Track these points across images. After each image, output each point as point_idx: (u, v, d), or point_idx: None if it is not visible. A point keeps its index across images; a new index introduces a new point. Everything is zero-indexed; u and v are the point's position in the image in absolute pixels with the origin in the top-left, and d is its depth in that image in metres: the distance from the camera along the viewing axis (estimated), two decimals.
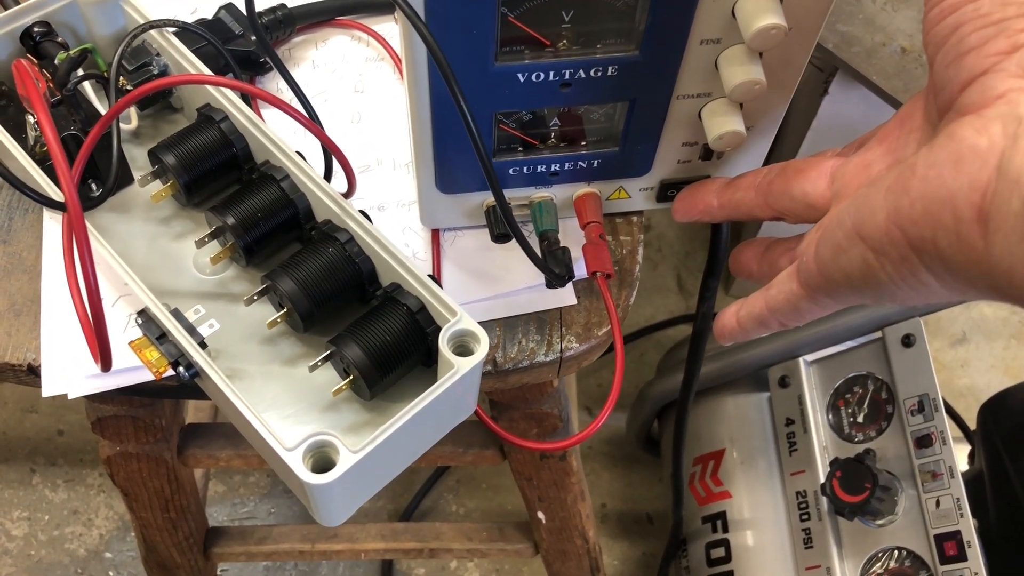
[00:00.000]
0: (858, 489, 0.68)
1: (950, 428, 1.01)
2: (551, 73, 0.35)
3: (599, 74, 0.35)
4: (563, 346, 0.42)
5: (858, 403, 0.74)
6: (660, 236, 1.18)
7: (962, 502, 0.65)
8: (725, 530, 0.79)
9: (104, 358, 0.34)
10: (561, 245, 0.41)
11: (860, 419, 0.73)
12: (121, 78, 0.42)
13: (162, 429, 0.56)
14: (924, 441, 0.68)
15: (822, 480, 0.71)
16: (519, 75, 0.35)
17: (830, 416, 0.75)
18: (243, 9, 0.47)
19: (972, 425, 0.86)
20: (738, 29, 0.33)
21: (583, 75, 0.35)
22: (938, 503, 0.66)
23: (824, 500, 0.71)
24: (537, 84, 0.36)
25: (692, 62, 0.35)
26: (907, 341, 0.71)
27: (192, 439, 0.61)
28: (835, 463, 0.70)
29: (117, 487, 0.62)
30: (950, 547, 0.65)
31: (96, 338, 0.32)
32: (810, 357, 0.77)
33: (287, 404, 0.38)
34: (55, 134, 0.30)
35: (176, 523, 0.66)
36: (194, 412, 0.80)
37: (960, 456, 0.81)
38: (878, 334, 0.73)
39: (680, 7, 0.33)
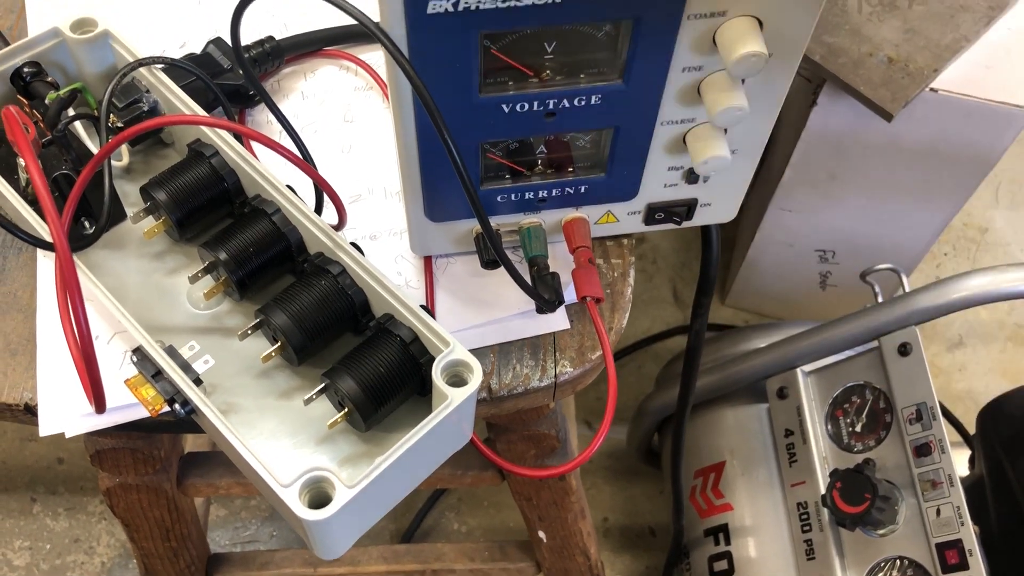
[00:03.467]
0: (858, 500, 0.68)
1: (949, 433, 1.02)
2: (535, 103, 0.35)
3: (583, 103, 0.36)
4: (557, 371, 0.42)
5: (856, 413, 0.74)
6: (655, 248, 1.18)
7: (962, 510, 0.65)
8: (727, 542, 0.79)
9: (98, 401, 0.34)
10: (551, 270, 0.41)
11: (859, 429, 0.74)
12: (112, 115, 0.42)
13: (161, 460, 0.56)
14: (923, 450, 0.68)
15: (822, 491, 0.71)
16: (504, 106, 0.35)
17: (829, 426, 0.75)
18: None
19: (971, 429, 0.86)
20: (719, 56, 0.34)
21: (567, 104, 0.36)
22: (939, 512, 0.66)
23: (825, 511, 0.71)
24: (522, 114, 0.36)
25: (675, 89, 0.36)
26: (903, 350, 0.71)
27: (191, 468, 0.61)
28: (835, 474, 0.70)
29: (117, 518, 0.62)
30: (952, 555, 0.65)
31: (90, 383, 0.33)
32: (808, 368, 0.77)
33: (283, 437, 0.39)
34: (44, 181, 0.31)
35: (177, 552, 0.66)
36: (192, 441, 0.80)
37: (960, 461, 0.81)
38: (874, 343, 0.73)
39: (661, 36, 0.33)
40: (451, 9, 0.30)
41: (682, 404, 0.63)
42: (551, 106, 0.36)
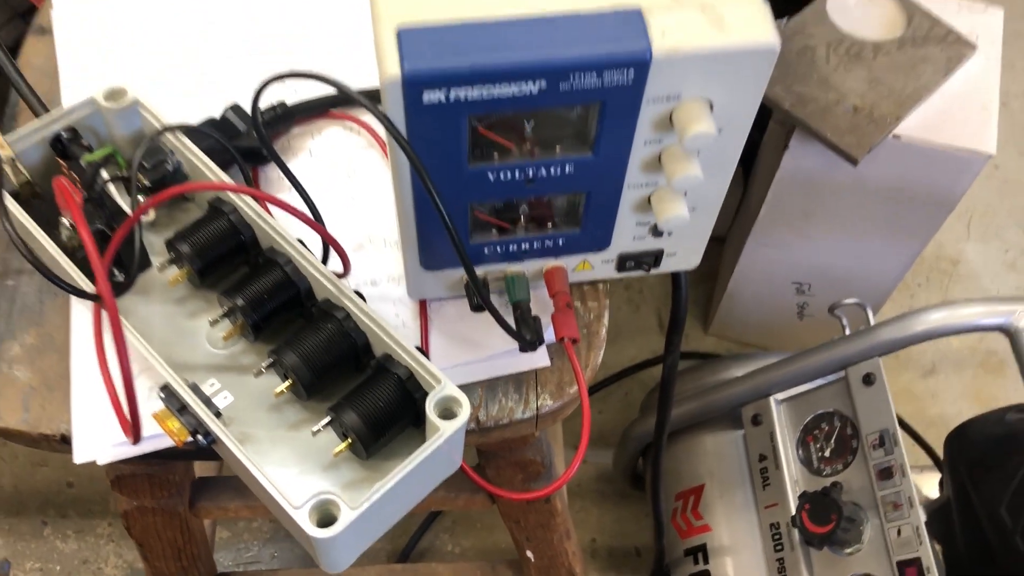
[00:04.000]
0: (825, 520, 0.72)
1: (920, 458, 1.07)
2: (517, 172, 0.41)
3: (559, 172, 0.41)
4: (539, 404, 0.47)
5: (825, 439, 0.79)
6: (641, 279, 1.23)
7: (921, 531, 0.69)
8: (706, 561, 0.84)
9: (136, 435, 0.39)
10: (533, 314, 0.46)
11: (827, 454, 0.78)
12: (140, 175, 0.47)
13: (175, 484, 0.61)
14: (885, 474, 0.73)
15: (793, 512, 0.76)
16: (489, 174, 0.41)
17: (800, 451, 0.80)
18: (248, 109, 0.52)
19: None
20: (676, 132, 0.39)
21: (545, 173, 0.41)
22: (899, 532, 0.71)
23: (795, 531, 0.76)
24: (505, 181, 0.41)
25: (638, 159, 0.41)
26: (868, 380, 0.76)
27: (202, 492, 0.66)
28: (804, 496, 0.75)
29: (133, 539, 0.66)
30: (911, 573, 0.69)
31: (130, 420, 0.37)
32: (780, 396, 0.82)
33: (293, 464, 0.43)
34: (94, 246, 0.35)
35: (187, 571, 0.70)
36: (201, 466, 0.84)
37: (931, 484, 0.86)
38: (842, 373, 0.78)
39: (624, 116, 0.38)
40: (443, 100, 0.36)
41: (659, 432, 0.68)
42: (531, 174, 0.41)
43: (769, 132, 0.97)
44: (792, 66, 0.85)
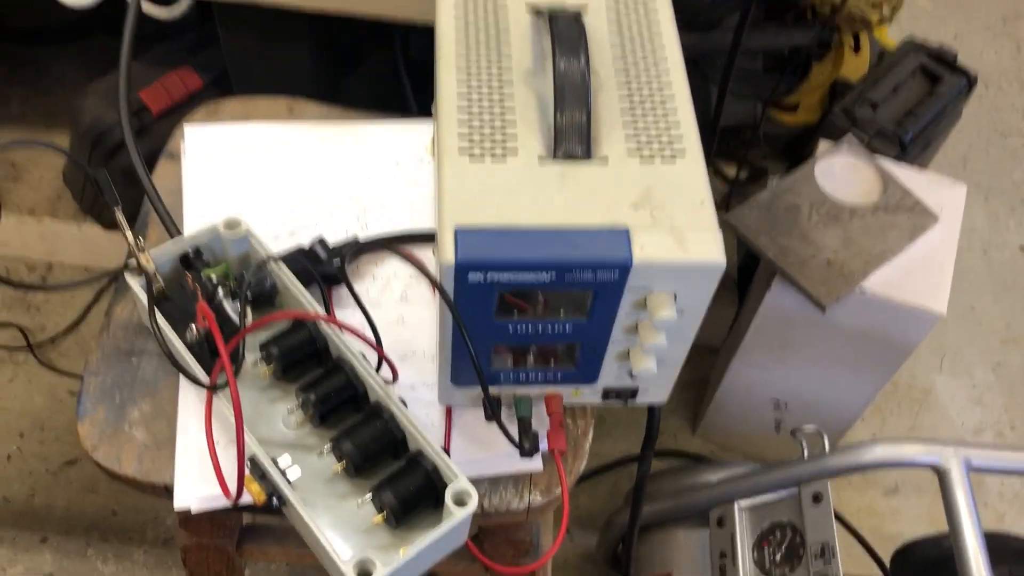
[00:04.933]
0: None
1: (873, 570, 1.18)
2: (529, 327, 0.55)
3: (561, 329, 0.55)
4: (531, 499, 0.61)
5: (778, 545, 0.92)
6: None
7: None
8: None
9: (236, 499, 0.53)
10: (533, 428, 0.60)
11: (778, 559, 0.91)
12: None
13: (229, 528, 0.74)
14: None
15: None
16: (509, 326, 0.55)
17: (755, 554, 0.92)
18: (329, 243, 0.68)
19: None
20: (648, 311, 0.53)
21: (550, 329, 0.55)
22: None
23: None
24: (520, 332, 0.55)
25: (620, 326, 0.55)
26: (816, 498, 0.89)
27: (249, 536, 0.79)
28: None
29: (186, 568, 0.80)
30: None
31: (237, 488, 0.52)
32: (743, 503, 0.95)
33: (340, 526, 0.57)
34: (228, 358, 0.50)
35: None
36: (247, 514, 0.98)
37: None
38: (795, 490, 0.91)
39: (611, 298, 0.53)
40: (482, 280, 0.50)
41: (631, 526, 0.81)
42: (540, 329, 0.55)
43: (760, 267, 1.11)
44: (779, 220, 1.00)
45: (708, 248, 0.51)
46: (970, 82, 1.19)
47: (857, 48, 1.33)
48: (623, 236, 0.51)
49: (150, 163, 0.78)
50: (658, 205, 0.52)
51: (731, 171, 1.30)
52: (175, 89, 1.08)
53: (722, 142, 1.30)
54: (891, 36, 1.85)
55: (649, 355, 0.57)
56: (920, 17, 1.90)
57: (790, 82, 1.26)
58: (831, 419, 1.17)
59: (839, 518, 1.25)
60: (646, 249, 0.50)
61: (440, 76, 0.58)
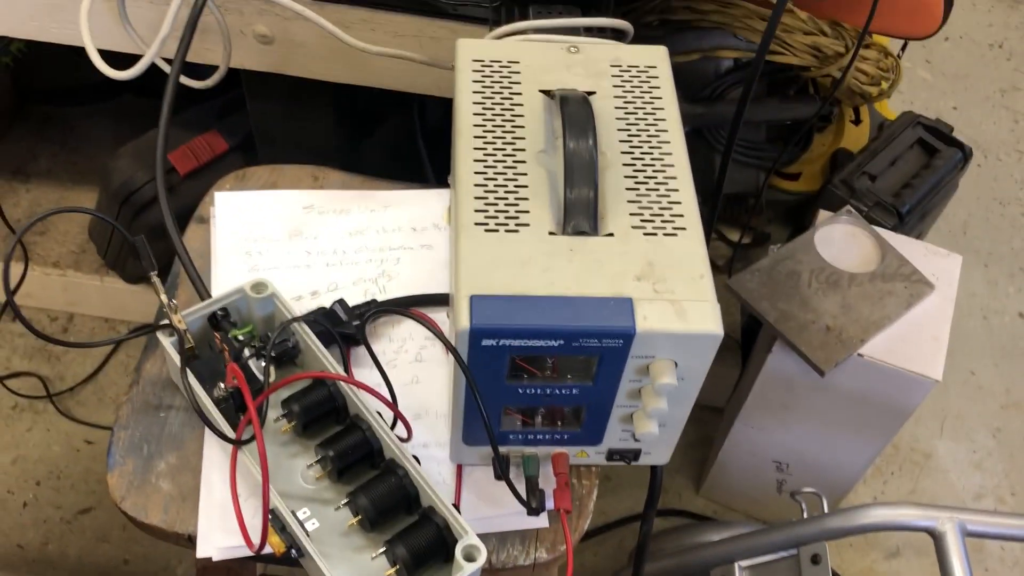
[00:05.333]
0: None
1: None
2: (538, 390, 0.58)
3: (568, 392, 0.58)
4: (536, 556, 0.63)
5: None
6: None
7: None
8: None
9: (259, 550, 0.56)
10: (539, 487, 0.63)
11: None
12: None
13: None
14: None
15: None
16: (519, 389, 0.58)
17: None
18: (350, 304, 0.71)
19: None
20: (651, 377, 0.56)
21: (558, 392, 0.58)
22: None
23: None
24: (530, 394, 0.59)
25: (624, 391, 0.58)
26: (815, 559, 0.91)
27: None
28: None
29: None
30: None
31: (260, 541, 0.54)
32: (744, 563, 0.97)
33: None
34: (258, 421, 0.53)
35: None
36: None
37: None
38: (795, 551, 0.93)
39: (616, 364, 0.56)
40: (495, 344, 0.54)
41: None
42: (548, 392, 0.58)
43: (762, 331, 1.14)
44: (780, 286, 1.04)
45: (706, 319, 0.54)
46: (966, 155, 1.23)
47: (857, 120, 1.38)
48: (627, 306, 0.54)
49: (179, 221, 0.82)
50: (660, 278, 0.56)
51: (734, 236, 1.34)
52: (202, 152, 1.13)
53: (726, 208, 1.35)
54: (892, 107, 1.91)
55: (652, 419, 0.60)
56: (921, 88, 1.96)
57: (792, 152, 1.31)
58: (832, 481, 1.19)
59: None
60: (648, 319, 0.54)
61: (458, 153, 0.62)
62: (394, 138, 1.14)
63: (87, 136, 1.55)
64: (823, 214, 1.11)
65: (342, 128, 1.06)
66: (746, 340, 1.30)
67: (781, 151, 1.25)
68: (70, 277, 1.38)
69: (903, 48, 1.44)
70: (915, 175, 1.20)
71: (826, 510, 0.95)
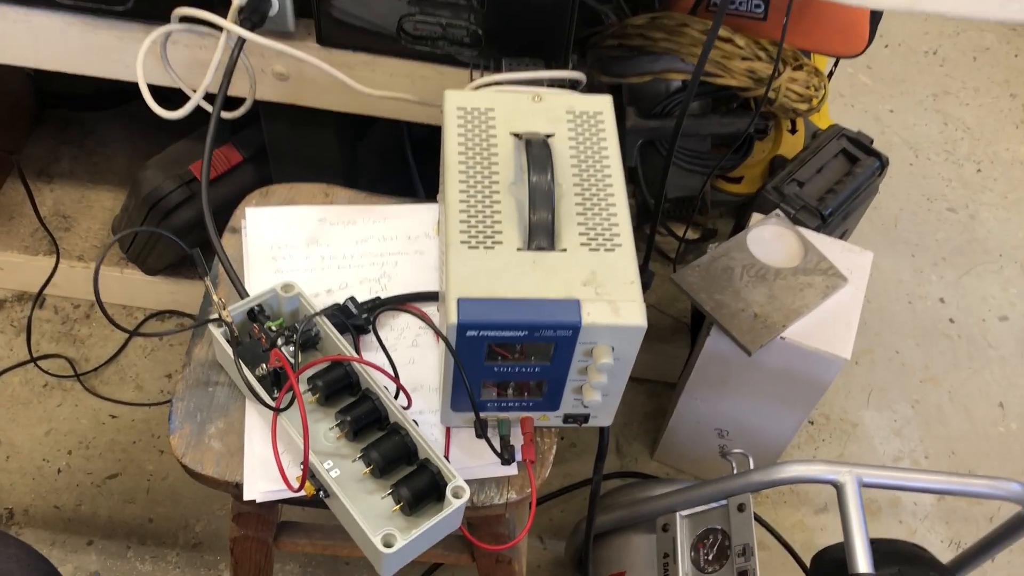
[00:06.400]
0: None
1: (802, 574, 1.39)
2: (509, 368, 0.76)
3: (532, 370, 0.76)
4: (508, 496, 0.81)
5: (710, 547, 1.12)
6: None
7: None
8: None
9: (299, 489, 0.74)
10: (511, 443, 0.81)
11: (711, 557, 1.11)
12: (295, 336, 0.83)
13: (271, 523, 0.95)
14: (744, 574, 1.06)
15: None
16: (494, 368, 0.76)
17: (692, 554, 1.13)
18: (360, 300, 0.89)
19: None
20: (593, 359, 0.75)
21: (524, 370, 0.76)
22: None
23: None
24: (503, 372, 0.76)
25: (575, 368, 0.76)
26: (740, 508, 1.10)
27: (283, 530, 0.99)
28: None
29: (232, 557, 1.00)
30: None
31: (301, 482, 0.72)
32: (684, 513, 1.16)
33: (369, 513, 0.77)
34: (300, 395, 0.71)
35: None
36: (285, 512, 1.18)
37: None
38: (725, 501, 1.12)
39: (567, 350, 0.74)
40: (476, 335, 0.72)
41: (588, 527, 1.02)
42: (516, 370, 0.76)
43: (707, 321, 1.33)
44: (716, 279, 1.22)
45: (634, 315, 0.72)
46: (883, 163, 1.42)
47: (794, 130, 1.56)
48: (575, 306, 0.72)
49: (199, 224, 0.99)
50: (600, 283, 0.73)
51: (678, 231, 1.52)
52: (219, 163, 1.30)
53: (677, 208, 1.53)
54: (836, 109, 2.10)
55: (596, 390, 0.78)
56: (861, 92, 2.14)
57: (734, 159, 1.49)
58: (765, 445, 1.39)
59: (773, 531, 1.46)
60: (591, 315, 0.72)
61: (446, 183, 0.80)
62: (387, 154, 1.31)
63: (105, 139, 1.71)
64: (756, 216, 1.30)
65: (344, 145, 1.22)
66: (695, 324, 1.49)
67: (721, 159, 1.43)
68: (94, 269, 1.54)
69: (835, 64, 1.62)
70: (838, 181, 1.39)
71: (751, 468, 1.14)
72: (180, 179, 1.30)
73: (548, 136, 0.82)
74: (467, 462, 0.82)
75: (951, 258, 1.86)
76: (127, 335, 1.58)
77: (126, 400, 1.53)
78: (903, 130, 2.07)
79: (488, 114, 0.84)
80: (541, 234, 0.75)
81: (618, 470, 1.51)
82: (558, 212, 0.77)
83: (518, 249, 0.75)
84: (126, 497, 1.44)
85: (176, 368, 1.57)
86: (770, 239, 1.27)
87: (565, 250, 0.75)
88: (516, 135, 0.82)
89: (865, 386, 1.67)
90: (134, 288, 1.56)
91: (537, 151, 0.78)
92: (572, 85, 0.90)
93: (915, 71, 2.19)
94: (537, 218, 0.75)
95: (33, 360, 1.54)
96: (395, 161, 1.37)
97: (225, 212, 0.98)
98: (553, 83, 0.90)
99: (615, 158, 0.82)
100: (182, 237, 1.28)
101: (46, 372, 1.54)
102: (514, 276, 0.73)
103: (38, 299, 1.59)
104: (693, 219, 1.49)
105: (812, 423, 1.62)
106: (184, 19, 0.94)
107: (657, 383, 1.60)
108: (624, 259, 0.75)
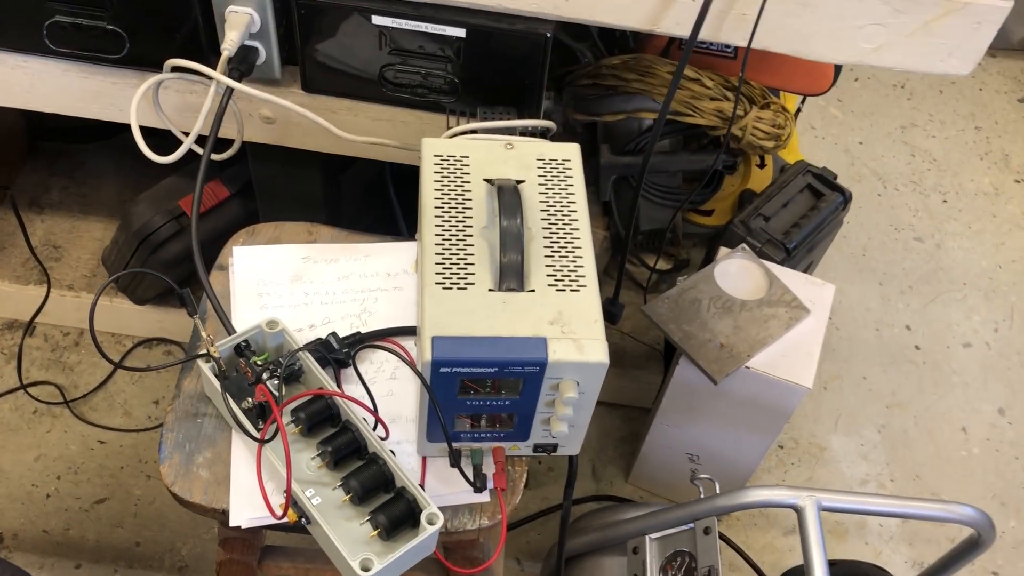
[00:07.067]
0: None
1: None
2: (480, 402, 0.81)
3: (502, 403, 0.81)
4: (480, 523, 0.86)
5: (678, 569, 1.17)
6: None
7: None
8: None
9: (283, 516, 0.78)
10: (483, 472, 0.86)
11: None
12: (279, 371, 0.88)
13: (256, 547, 0.99)
14: None
15: None
16: (467, 402, 0.81)
17: (660, 575, 1.18)
18: (341, 335, 0.93)
19: None
20: (560, 392, 0.80)
21: (495, 403, 0.81)
22: None
23: None
24: (475, 405, 0.81)
25: (543, 401, 0.81)
26: (706, 531, 1.15)
27: (268, 554, 1.03)
28: None
29: None
30: None
31: (284, 509, 0.77)
32: (653, 535, 1.20)
33: (348, 538, 0.82)
34: (284, 429, 0.76)
35: None
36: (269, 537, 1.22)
37: None
38: (692, 525, 1.17)
39: (535, 384, 0.79)
40: (449, 371, 0.76)
41: (559, 553, 1.06)
42: (488, 403, 0.81)
43: (674, 351, 1.38)
44: (684, 311, 1.28)
45: (597, 352, 0.78)
46: (846, 198, 1.48)
47: (762, 164, 1.63)
48: (542, 344, 0.77)
49: (187, 258, 1.03)
50: (566, 322, 0.79)
51: (651, 262, 1.58)
52: (208, 198, 1.35)
53: (650, 240, 1.59)
54: (807, 142, 2.17)
55: (563, 421, 0.83)
56: (832, 124, 2.22)
57: (705, 193, 1.55)
58: (734, 469, 1.44)
59: (743, 553, 1.51)
60: (557, 353, 0.77)
61: (423, 226, 0.85)
62: (370, 187, 1.37)
63: (95, 171, 1.75)
64: (723, 250, 1.36)
65: (328, 182, 1.27)
66: (668, 352, 1.54)
67: (691, 194, 1.49)
68: (83, 298, 1.59)
69: (802, 101, 1.69)
70: (803, 216, 1.45)
71: (717, 491, 1.18)
72: (170, 214, 1.34)
73: (519, 182, 0.87)
74: (442, 490, 0.87)
75: (917, 286, 1.92)
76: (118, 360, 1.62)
77: (114, 426, 1.56)
78: (872, 161, 2.14)
79: (463, 161, 0.89)
80: (511, 276, 0.80)
81: (593, 493, 1.56)
82: (527, 254, 0.82)
83: (489, 290, 0.80)
84: (114, 521, 1.47)
85: (163, 395, 1.61)
86: (736, 272, 1.33)
87: (534, 291, 0.81)
88: (489, 181, 0.88)
89: (833, 411, 1.72)
90: (123, 317, 1.60)
91: (508, 197, 0.83)
92: (543, 133, 0.96)
93: (884, 104, 2.26)
94: (507, 260, 0.81)
95: (23, 387, 1.57)
96: (378, 193, 1.42)
97: (213, 245, 1.02)
98: (525, 131, 0.96)
99: (582, 203, 0.88)
100: (171, 269, 1.33)
101: (36, 399, 1.57)
102: (485, 315, 0.78)
103: (29, 327, 1.63)
104: (665, 250, 1.55)
105: (782, 447, 1.67)
106: (176, 68, 0.99)
107: (632, 408, 1.65)
108: (589, 299, 0.81)
